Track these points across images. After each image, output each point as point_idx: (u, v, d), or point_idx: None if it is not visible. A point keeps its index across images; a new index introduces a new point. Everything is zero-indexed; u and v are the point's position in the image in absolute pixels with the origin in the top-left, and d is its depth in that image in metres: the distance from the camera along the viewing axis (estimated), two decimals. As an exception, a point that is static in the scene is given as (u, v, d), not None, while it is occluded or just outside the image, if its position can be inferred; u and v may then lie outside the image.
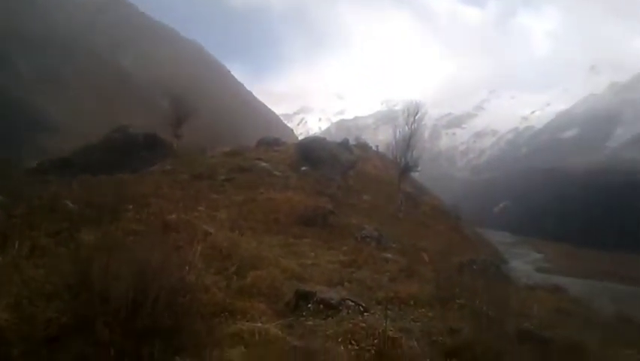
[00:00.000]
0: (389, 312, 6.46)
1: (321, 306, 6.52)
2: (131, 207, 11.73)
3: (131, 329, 4.60)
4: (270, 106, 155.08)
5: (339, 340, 5.27)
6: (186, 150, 33.64)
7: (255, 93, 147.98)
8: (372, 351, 5.01)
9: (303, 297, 6.73)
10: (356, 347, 5.11)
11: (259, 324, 5.35)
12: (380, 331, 5.34)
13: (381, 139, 68.37)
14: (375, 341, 5.21)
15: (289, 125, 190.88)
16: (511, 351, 5.21)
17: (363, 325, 5.69)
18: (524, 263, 41.35)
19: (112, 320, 4.62)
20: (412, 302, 7.45)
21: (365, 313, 6.41)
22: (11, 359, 4.01)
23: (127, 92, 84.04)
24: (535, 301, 9.02)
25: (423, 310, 7.11)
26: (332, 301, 6.63)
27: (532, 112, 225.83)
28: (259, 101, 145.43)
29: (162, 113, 38.45)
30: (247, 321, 5.46)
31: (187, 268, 5.95)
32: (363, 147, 52.95)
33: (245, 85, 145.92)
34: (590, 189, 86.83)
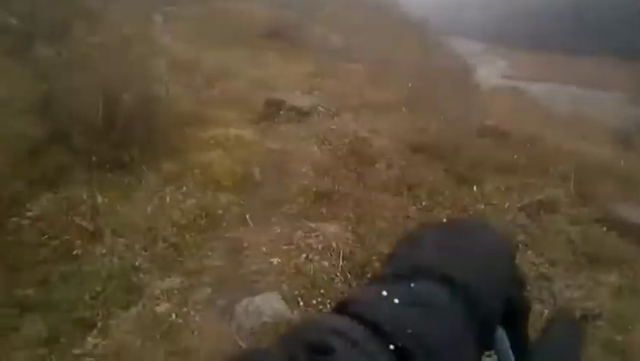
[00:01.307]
0: (360, 116, 6.66)
1: (293, 113, 6.63)
2: (81, 21, 10.96)
3: (108, 139, 4.66)
4: None
5: (313, 141, 5.50)
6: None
7: None
8: (345, 149, 5.27)
9: (274, 105, 6.80)
10: (329, 147, 5.35)
11: (233, 130, 5.48)
12: (351, 131, 5.56)
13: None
14: (347, 140, 5.45)
15: None
16: (473, 143, 5.56)
17: (335, 127, 5.89)
18: (490, 70, 41.82)
19: (87, 131, 4.66)
20: (381, 107, 7.62)
21: (336, 118, 6.59)
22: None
23: None
24: (497, 102, 9.38)
25: (392, 113, 7.31)
26: (303, 108, 6.74)
27: None
28: None
29: None
30: (221, 128, 5.57)
31: (154, 80, 5.84)
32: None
33: None
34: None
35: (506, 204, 4.66)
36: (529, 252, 4.08)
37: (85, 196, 4.12)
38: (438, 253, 0.40)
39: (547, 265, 3.97)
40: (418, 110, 7.40)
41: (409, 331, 0.33)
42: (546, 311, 3.43)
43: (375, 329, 0.33)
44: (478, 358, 0.37)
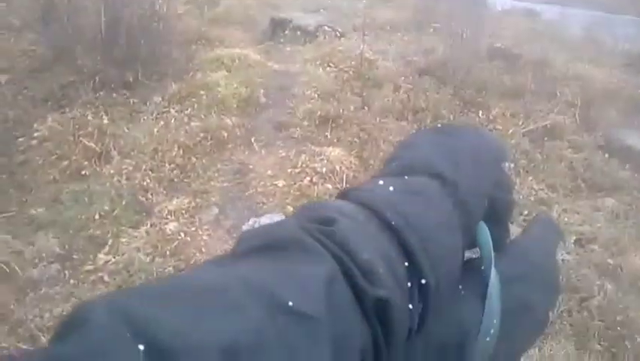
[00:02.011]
0: (366, 37, 6.50)
1: (298, 33, 6.48)
2: None
3: (111, 57, 4.60)
4: None
5: (318, 63, 5.41)
6: None
7: None
8: (351, 72, 5.20)
9: (279, 24, 6.63)
10: (335, 69, 5.28)
11: (238, 50, 5.38)
12: (357, 54, 5.45)
13: None
14: (353, 62, 5.36)
15: None
16: (481, 66, 5.47)
17: (341, 48, 5.78)
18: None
19: (90, 49, 4.59)
20: (388, 27, 7.42)
21: (342, 39, 6.43)
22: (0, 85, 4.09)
23: None
24: (508, 24, 9.09)
25: (399, 34, 7.13)
26: (309, 28, 6.57)
27: None
28: None
29: None
30: (225, 48, 5.47)
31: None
32: None
33: None
34: None
35: (511, 130, 4.66)
36: (530, 177, 4.13)
37: (91, 117, 4.14)
38: (431, 153, 0.43)
39: (546, 191, 4.04)
40: (427, 32, 7.21)
41: (399, 210, 0.37)
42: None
43: (370, 208, 0.37)
44: (461, 246, 0.41)
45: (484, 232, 0.46)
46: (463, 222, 0.41)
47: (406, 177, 0.41)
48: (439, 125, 0.50)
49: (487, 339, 0.42)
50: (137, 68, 4.57)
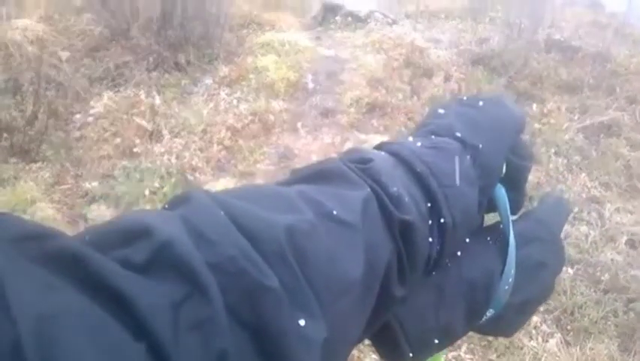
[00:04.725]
0: (418, 24, 6.39)
1: (349, 19, 6.44)
2: None
3: (165, 38, 4.71)
4: None
5: (368, 49, 5.36)
6: None
7: None
8: (401, 60, 5.13)
9: (331, 10, 6.61)
10: (384, 56, 5.22)
11: (288, 35, 5.40)
12: (409, 41, 5.37)
13: None
14: (404, 50, 5.29)
15: None
16: (537, 58, 5.28)
17: (392, 36, 5.70)
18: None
19: (145, 31, 4.71)
20: (442, 15, 7.26)
21: (393, 26, 6.35)
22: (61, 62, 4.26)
23: None
24: (569, 15, 8.74)
25: (453, 22, 6.97)
26: (360, 14, 6.52)
27: None
28: None
29: None
30: (276, 32, 5.50)
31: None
32: None
33: None
34: None
35: (565, 125, 4.49)
36: (583, 174, 3.99)
37: (143, 96, 4.26)
38: (454, 121, 0.48)
39: (599, 189, 3.89)
40: (483, 20, 7.02)
41: (424, 160, 0.43)
42: (592, 233, 3.42)
43: (399, 157, 0.43)
44: (477, 196, 0.45)
45: (502, 193, 0.51)
46: (481, 181, 0.46)
47: (432, 137, 0.47)
48: (464, 97, 0.54)
49: (506, 288, 0.49)
50: (190, 50, 4.66)
